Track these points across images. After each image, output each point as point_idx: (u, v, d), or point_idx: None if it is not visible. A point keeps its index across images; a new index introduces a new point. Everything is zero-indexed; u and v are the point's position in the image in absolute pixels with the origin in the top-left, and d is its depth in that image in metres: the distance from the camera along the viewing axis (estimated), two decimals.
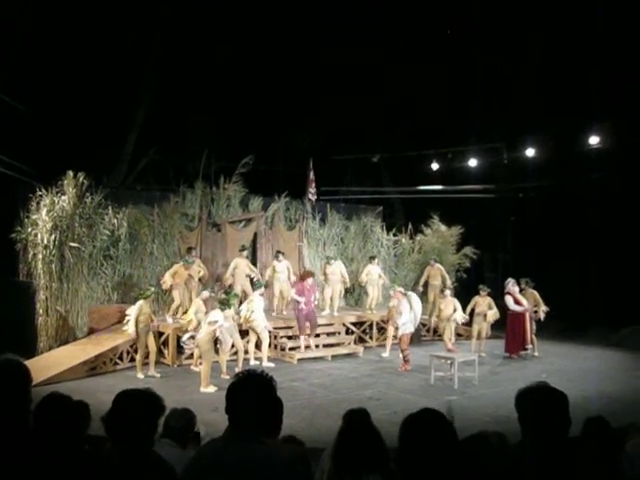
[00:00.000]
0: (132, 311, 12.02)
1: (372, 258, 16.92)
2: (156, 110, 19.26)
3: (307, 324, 14.16)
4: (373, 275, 16.38)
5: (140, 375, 12.02)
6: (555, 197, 18.75)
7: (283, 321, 14.86)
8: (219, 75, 19.60)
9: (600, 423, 4.33)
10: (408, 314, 13.08)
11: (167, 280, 13.58)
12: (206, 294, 12.58)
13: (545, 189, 18.86)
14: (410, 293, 14.11)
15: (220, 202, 16.76)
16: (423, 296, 16.07)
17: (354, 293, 18.28)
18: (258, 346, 13.32)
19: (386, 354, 14.52)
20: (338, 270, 16.01)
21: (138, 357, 12.20)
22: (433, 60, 20.14)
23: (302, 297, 13.92)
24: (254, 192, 17.41)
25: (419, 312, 13.69)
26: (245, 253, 15.17)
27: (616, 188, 17.28)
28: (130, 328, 11.92)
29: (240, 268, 14.79)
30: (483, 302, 14.52)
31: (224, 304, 11.91)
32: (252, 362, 12.93)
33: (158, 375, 12.12)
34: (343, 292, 17.10)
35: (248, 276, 14.95)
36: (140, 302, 12.12)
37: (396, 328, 13.18)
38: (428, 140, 20.08)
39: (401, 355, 13.18)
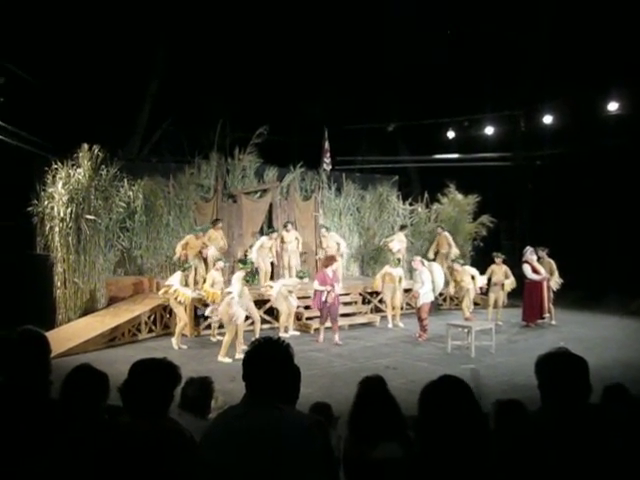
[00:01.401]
0: (175, 280, 12.37)
1: (403, 227, 16.92)
2: (170, 81, 19.22)
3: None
4: (404, 244, 16.57)
5: (176, 346, 12.22)
6: (573, 165, 18.52)
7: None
8: (233, 45, 19.45)
9: (619, 390, 4.30)
10: (429, 283, 12.98)
11: (177, 250, 13.87)
12: (221, 264, 12.65)
13: (562, 157, 18.64)
14: (432, 263, 14.09)
15: (235, 173, 16.76)
16: None
17: (370, 262, 18.27)
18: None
19: (390, 324, 14.63)
20: (333, 243, 15.93)
21: (179, 326, 12.44)
22: (449, 26, 19.84)
23: (325, 286, 12.70)
24: (269, 162, 17.41)
25: (441, 282, 13.65)
26: (274, 235, 15.26)
27: (635, 155, 17.02)
28: (188, 291, 12.43)
29: (265, 246, 15.00)
30: (499, 271, 14.46)
31: (247, 280, 12.08)
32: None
33: (185, 347, 12.34)
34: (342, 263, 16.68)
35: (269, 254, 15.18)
36: (179, 272, 12.62)
37: (416, 297, 13.11)
38: (444, 108, 19.87)
39: (419, 324, 13.17)
